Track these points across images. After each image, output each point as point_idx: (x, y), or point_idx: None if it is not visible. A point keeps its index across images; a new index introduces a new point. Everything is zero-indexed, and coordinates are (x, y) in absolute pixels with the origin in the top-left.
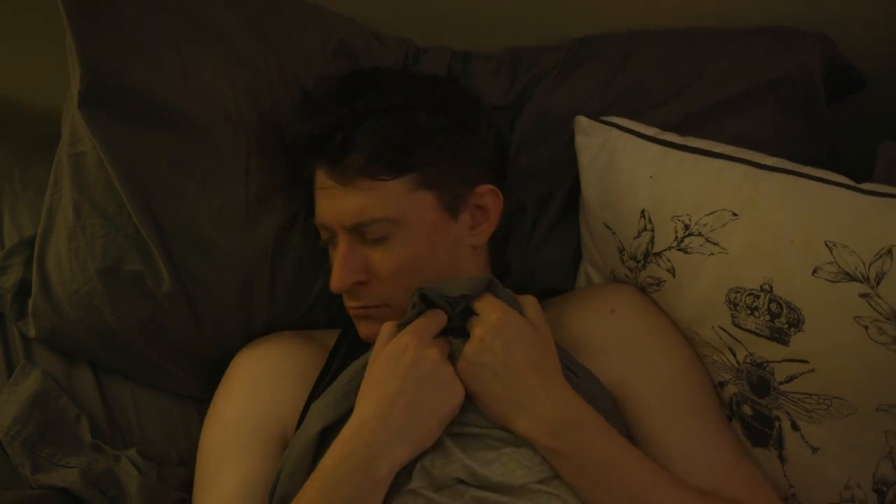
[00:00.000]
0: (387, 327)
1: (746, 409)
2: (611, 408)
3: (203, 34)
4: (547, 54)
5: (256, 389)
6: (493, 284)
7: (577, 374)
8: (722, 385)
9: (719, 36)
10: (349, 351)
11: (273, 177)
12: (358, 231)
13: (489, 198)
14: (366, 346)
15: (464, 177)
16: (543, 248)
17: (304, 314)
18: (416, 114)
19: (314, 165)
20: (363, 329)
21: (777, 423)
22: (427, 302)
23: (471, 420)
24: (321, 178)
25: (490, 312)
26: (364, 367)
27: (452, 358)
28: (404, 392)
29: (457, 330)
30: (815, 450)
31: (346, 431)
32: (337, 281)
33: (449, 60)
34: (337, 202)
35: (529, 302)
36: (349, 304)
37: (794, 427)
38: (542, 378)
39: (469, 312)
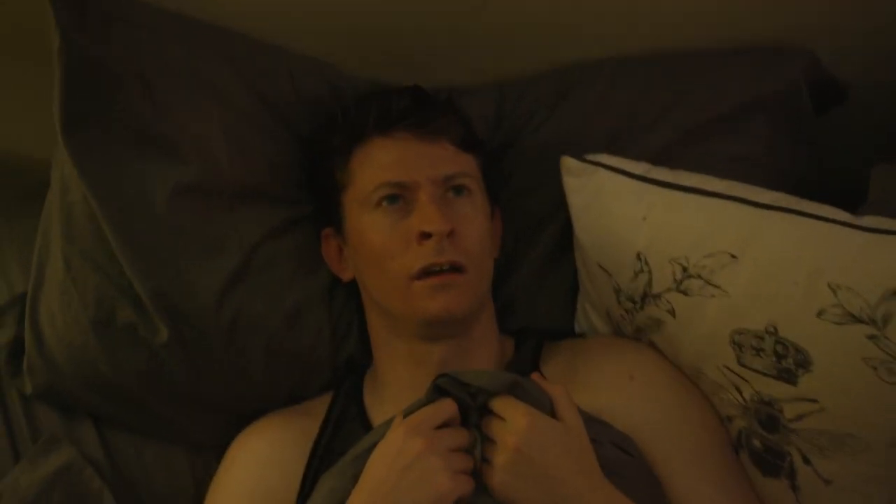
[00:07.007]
0: (396, 417)
1: (756, 443)
2: (655, 482)
3: (195, 81)
4: (532, 87)
5: (248, 483)
6: (516, 385)
7: (627, 451)
8: (729, 419)
9: (703, 58)
10: (341, 414)
11: (259, 228)
12: (447, 184)
13: (497, 219)
14: (357, 406)
15: (491, 192)
16: (541, 282)
17: (305, 354)
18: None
19: (389, 130)
20: (440, 300)
21: (789, 458)
22: (442, 392)
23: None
24: (399, 135)
25: (519, 418)
26: (371, 449)
27: (474, 451)
28: (387, 481)
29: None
30: (828, 482)
31: None
32: (439, 221)
33: None
34: (427, 153)
35: (561, 396)
36: (433, 260)
37: (806, 461)
38: (586, 478)
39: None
